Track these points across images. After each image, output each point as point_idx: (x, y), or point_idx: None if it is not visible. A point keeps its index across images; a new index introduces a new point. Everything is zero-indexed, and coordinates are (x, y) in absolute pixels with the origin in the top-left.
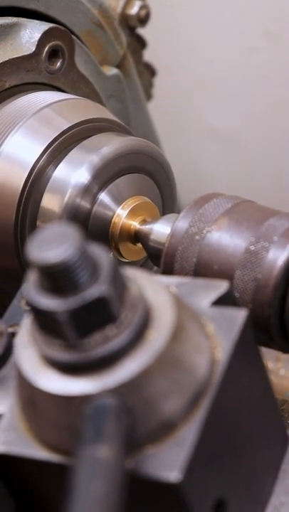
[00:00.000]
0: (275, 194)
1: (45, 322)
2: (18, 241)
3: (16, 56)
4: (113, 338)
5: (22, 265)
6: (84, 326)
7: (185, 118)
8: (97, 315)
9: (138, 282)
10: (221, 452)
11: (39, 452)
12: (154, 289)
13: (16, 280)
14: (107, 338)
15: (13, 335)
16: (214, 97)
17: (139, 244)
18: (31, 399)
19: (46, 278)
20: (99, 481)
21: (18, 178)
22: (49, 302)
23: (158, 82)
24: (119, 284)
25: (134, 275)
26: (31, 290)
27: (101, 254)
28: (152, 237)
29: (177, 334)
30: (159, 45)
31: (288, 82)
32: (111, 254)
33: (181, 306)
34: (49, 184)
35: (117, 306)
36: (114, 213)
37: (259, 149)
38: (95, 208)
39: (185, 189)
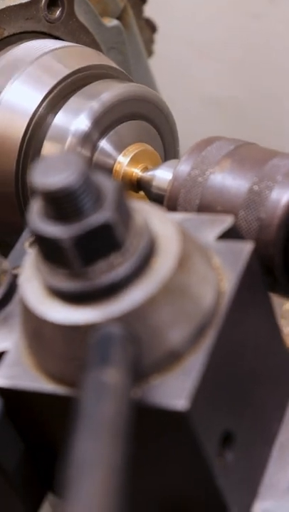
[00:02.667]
0: None
1: (50, 251)
2: (19, 191)
3: (14, 4)
4: (118, 266)
5: (24, 216)
6: (89, 253)
7: (185, 86)
8: (101, 242)
9: (143, 213)
10: (228, 385)
11: (45, 385)
12: (159, 220)
13: (18, 232)
14: (112, 266)
15: (16, 276)
16: (215, 65)
17: (142, 192)
18: (37, 331)
19: (50, 205)
20: (106, 403)
21: (18, 127)
22: (53, 229)
23: (157, 50)
24: (124, 212)
25: (139, 206)
26: (35, 218)
27: (106, 182)
28: (154, 183)
29: (183, 263)
30: (157, 12)
31: None
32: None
33: (187, 237)
34: (49, 132)
35: (122, 233)
36: (115, 161)
37: (260, 118)
38: (96, 155)
39: None
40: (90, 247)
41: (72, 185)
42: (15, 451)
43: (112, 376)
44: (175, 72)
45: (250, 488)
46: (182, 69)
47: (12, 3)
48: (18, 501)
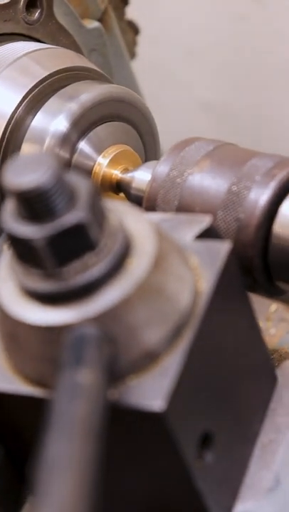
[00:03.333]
0: None
1: (24, 251)
2: None
3: None
4: (92, 266)
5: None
6: (62, 253)
7: (174, 90)
8: (75, 242)
9: (118, 212)
10: (207, 385)
11: (22, 387)
12: (135, 220)
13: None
14: (86, 267)
15: None
16: (203, 68)
17: (122, 194)
18: (12, 333)
19: (23, 205)
20: (79, 404)
21: None
22: (26, 229)
23: (144, 53)
24: (98, 212)
25: (114, 206)
26: (8, 218)
27: (79, 182)
28: (134, 184)
29: (159, 263)
30: (143, 14)
31: (278, 51)
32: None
33: (163, 237)
34: (27, 133)
35: (96, 233)
36: (94, 162)
37: (248, 120)
38: (75, 157)
39: None
40: (64, 247)
41: (44, 185)
42: None
43: (86, 377)
44: (162, 75)
45: (231, 489)
46: (169, 72)
47: None
48: None
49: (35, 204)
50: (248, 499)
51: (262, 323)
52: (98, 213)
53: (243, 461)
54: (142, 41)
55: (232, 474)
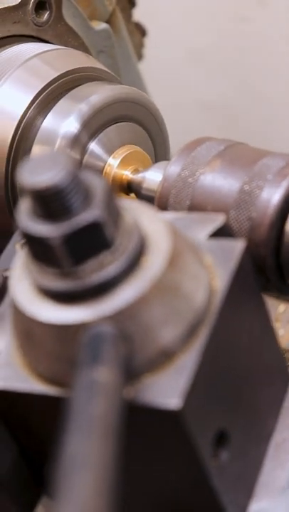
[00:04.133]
0: None
1: (39, 250)
2: (9, 194)
3: (1, 7)
4: (108, 264)
5: (14, 219)
6: (78, 252)
7: (177, 91)
8: (91, 241)
9: (133, 211)
10: (222, 384)
11: (36, 386)
12: (149, 218)
13: (9, 236)
14: (102, 265)
15: (7, 278)
16: (206, 69)
17: (133, 195)
18: (27, 332)
19: (38, 203)
20: (97, 401)
21: (6, 130)
22: (42, 228)
23: (147, 54)
24: (113, 210)
25: (129, 205)
26: (24, 217)
27: (94, 181)
28: (145, 185)
29: (174, 261)
30: (147, 16)
31: (281, 52)
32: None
33: (178, 236)
34: (38, 135)
35: (112, 232)
36: (105, 163)
37: (252, 120)
38: (86, 158)
39: None
40: (79, 245)
41: (60, 184)
42: (8, 453)
43: (103, 374)
44: (166, 76)
45: (246, 488)
46: (174, 73)
47: None
48: (11, 504)
49: (51, 202)
50: (262, 498)
51: None
52: (113, 212)
53: (258, 459)
54: (147, 42)
55: (247, 473)
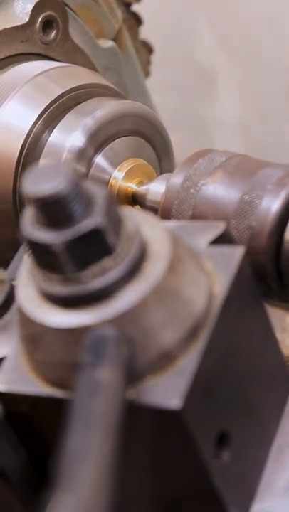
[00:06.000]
0: None
1: (43, 257)
2: (17, 208)
3: (10, 26)
4: (110, 270)
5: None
6: (80, 258)
7: (189, 110)
8: (93, 247)
9: (134, 219)
10: (222, 386)
11: (42, 389)
12: (150, 226)
13: (18, 249)
14: (104, 271)
15: (14, 287)
16: (218, 87)
17: (138, 207)
18: (33, 336)
19: (42, 212)
20: (98, 400)
21: (14, 146)
22: (45, 235)
23: (157, 75)
24: (114, 217)
25: (131, 213)
26: (27, 225)
27: (96, 190)
28: (149, 197)
29: (174, 267)
30: (157, 37)
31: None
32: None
33: (178, 242)
34: (45, 149)
35: (113, 238)
36: (110, 176)
37: (265, 138)
38: (92, 171)
39: None
40: (82, 252)
41: (62, 192)
42: (16, 456)
43: (105, 374)
44: (176, 93)
45: (248, 489)
46: (183, 90)
47: (7, 26)
48: (20, 506)
49: (53, 210)
50: (264, 499)
51: (278, 335)
52: (115, 219)
53: (260, 461)
54: (154, 59)
55: (249, 474)
